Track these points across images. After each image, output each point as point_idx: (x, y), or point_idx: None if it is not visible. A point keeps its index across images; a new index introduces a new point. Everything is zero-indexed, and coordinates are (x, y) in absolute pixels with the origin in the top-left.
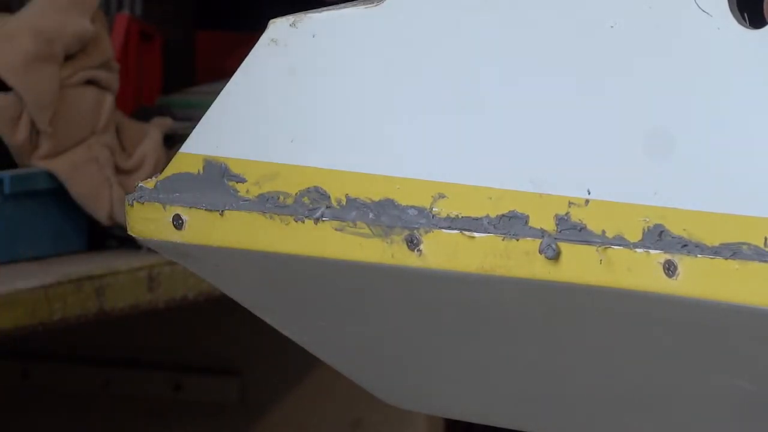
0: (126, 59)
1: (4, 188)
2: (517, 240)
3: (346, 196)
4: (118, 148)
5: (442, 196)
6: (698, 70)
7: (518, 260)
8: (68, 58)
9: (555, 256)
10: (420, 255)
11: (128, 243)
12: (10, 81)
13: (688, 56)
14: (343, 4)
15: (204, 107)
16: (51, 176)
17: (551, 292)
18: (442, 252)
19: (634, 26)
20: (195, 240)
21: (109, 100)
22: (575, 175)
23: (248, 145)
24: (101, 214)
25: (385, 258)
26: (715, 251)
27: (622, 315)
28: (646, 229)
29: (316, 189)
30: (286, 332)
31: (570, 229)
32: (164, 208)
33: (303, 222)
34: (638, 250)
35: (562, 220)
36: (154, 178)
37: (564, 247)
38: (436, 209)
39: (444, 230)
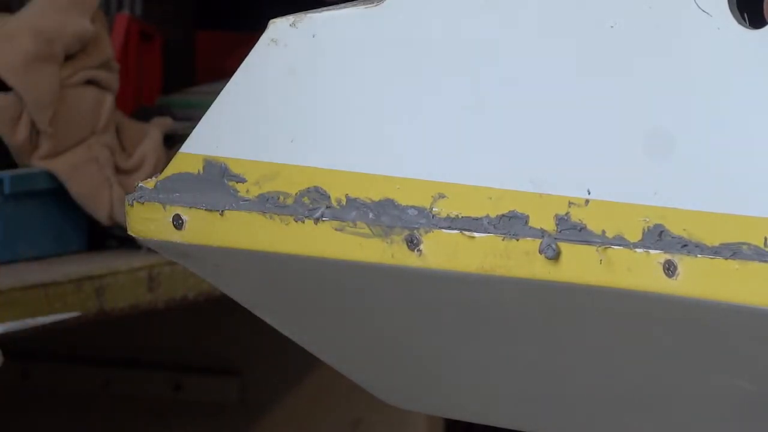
0: (126, 59)
1: (4, 188)
2: (517, 240)
3: (346, 196)
4: (118, 148)
5: (442, 196)
6: (698, 70)
7: (518, 260)
8: (68, 58)
9: (555, 256)
10: (420, 255)
11: (128, 243)
12: (10, 81)
13: (688, 56)
14: (343, 4)
15: (204, 107)
16: (51, 176)
17: (551, 292)
18: (442, 252)
19: (634, 26)
20: (195, 240)
21: (109, 100)
22: (575, 175)
23: (248, 145)
24: (101, 214)
25: (385, 258)
26: (715, 251)
27: (622, 315)
28: (646, 229)
29: (316, 189)
30: (286, 332)
31: (570, 229)
32: (164, 208)
33: (303, 222)
34: (638, 250)
35: (562, 220)
36: (154, 178)
37: (564, 247)
38: (436, 209)
39: (444, 230)
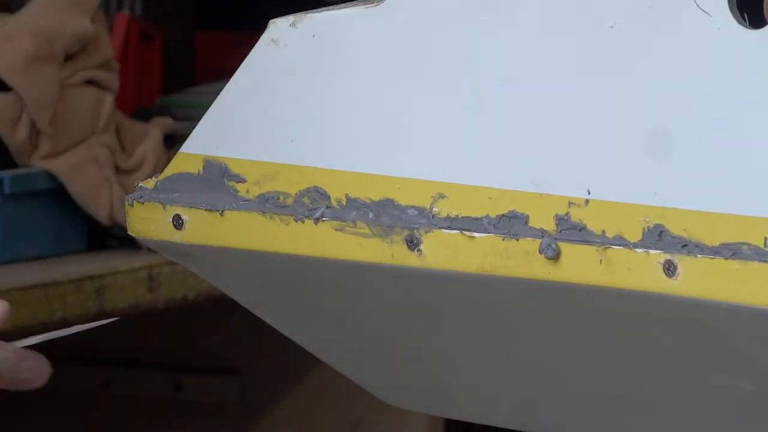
0: (126, 59)
1: (4, 188)
2: (517, 240)
3: (346, 196)
4: (118, 148)
5: (442, 196)
6: (698, 70)
7: (518, 260)
8: (68, 58)
9: (555, 256)
10: (420, 255)
11: (128, 243)
12: (10, 81)
13: (688, 56)
14: (343, 4)
15: (204, 107)
16: (51, 176)
17: (551, 292)
18: (442, 252)
19: (634, 26)
20: (195, 240)
21: (109, 100)
22: (575, 175)
23: (248, 145)
24: (101, 214)
25: (385, 258)
26: (715, 251)
27: (622, 315)
28: (646, 229)
29: (316, 189)
30: (286, 332)
31: (570, 229)
32: (164, 208)
33: (303, 222)
34: (638, 250)
35: (562, 220)
36: (154, 178)
37: (564, 247)
38: (436, 209)
39: (444, 230)
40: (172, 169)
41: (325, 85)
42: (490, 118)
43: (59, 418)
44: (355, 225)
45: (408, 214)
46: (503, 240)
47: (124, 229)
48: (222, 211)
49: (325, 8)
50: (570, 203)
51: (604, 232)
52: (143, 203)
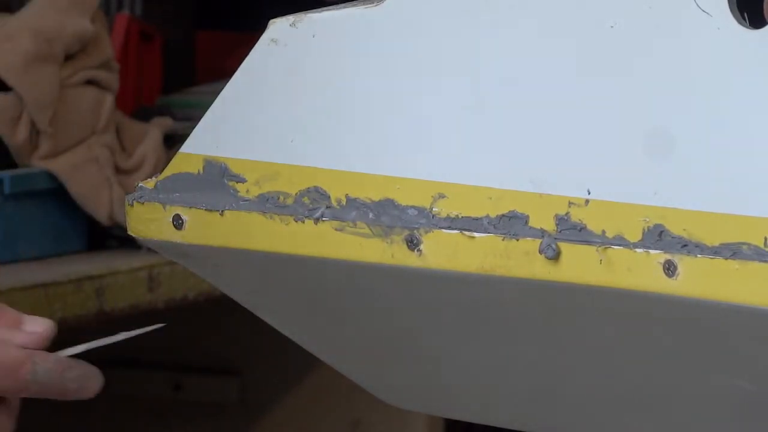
0: (126, 59)
1: (4, 188)
2: (517, 240)
3: (346, 196)
4: (118, 148)
5: (442, 196)
6: (698, 70)
7: (518, 260)
8: (68, 58)
9: (555, 256)
10: (420, 255)
11: (128, 243)
12: (10, 81)
13: (688, 56)
14: (343, 4)
15: (204, 107)
16: (51, 176)
17: (551, 292)
18: (442, 252)
19: (634, 26)
20: (195, 240)
21: (109, 100)
22: (575, 175)
23: (248, 145)
24: (101, 214)
25: (385, 258)
26: (715, 251)
27: (622, 315)
28: (646, 229)
29: (316, 189)
30: (286, 332)
31: (570, 229)
32: (164, 208)
33: (303, 222)
34: (638, 250)
35: (562, 220)
36: (154, 178)
37: (564, 247)
38: (436, 209)
39: (444, 230)
40: (172, 169)
41: (325, 85)
42: (490, 118)
43: (59, 417)
44: (355, 225)
45: (408, 214)
46: (503, 240)
47: (124, 229)
48: (222, 211)
49: (325, 8)
50: (570, 203)
51: (604, 232)
52: (143, 203)
